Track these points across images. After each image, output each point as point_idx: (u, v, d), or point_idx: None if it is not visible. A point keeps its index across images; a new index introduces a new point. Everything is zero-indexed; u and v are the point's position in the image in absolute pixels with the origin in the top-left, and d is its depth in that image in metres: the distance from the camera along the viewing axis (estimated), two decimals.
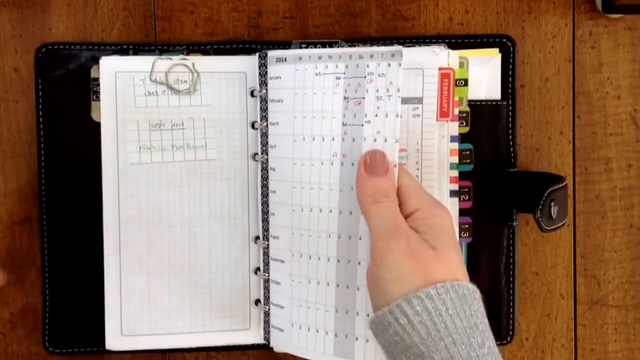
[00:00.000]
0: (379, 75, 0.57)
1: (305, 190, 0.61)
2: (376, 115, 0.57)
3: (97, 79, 0.63)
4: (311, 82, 0.60)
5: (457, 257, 0.52)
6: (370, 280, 0.53)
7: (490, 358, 0.48)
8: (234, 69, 0.64)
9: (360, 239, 0.59)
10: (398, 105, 0.56)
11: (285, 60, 0.61)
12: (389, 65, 0.57)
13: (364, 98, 0.58)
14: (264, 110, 0.63)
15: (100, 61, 0.62)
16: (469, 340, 0.48)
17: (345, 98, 0.59)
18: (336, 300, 0.60)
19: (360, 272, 0.59)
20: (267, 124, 0.63)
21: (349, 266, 0.59)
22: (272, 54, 0.62)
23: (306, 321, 0.62)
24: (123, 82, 0.62)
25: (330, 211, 0.60)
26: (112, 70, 0.62)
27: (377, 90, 0.57)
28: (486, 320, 0.51)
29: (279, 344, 0.64)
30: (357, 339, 0.59)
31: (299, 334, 0.62)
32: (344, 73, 0.59)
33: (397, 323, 0.49)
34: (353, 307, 0.59)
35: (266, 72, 0.62)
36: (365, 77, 0.58)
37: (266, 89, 0.62)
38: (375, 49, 0.58)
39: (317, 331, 0.61)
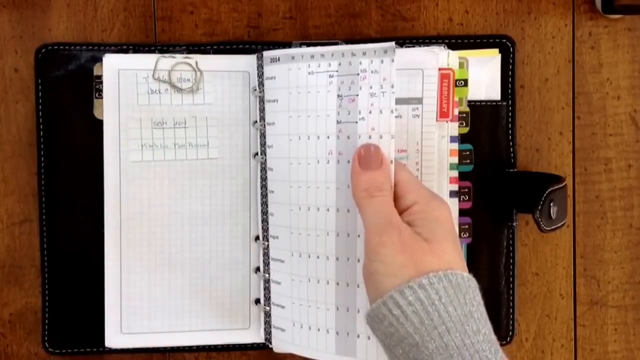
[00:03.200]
0: (372, 72, 0.57)
1: (303, 190, 0.61)
2: (370, 112, 0.57)
3: (100, 77, 0.63)
4: (304, 81, 0.60)
5: (452, 249, 0.52)
6: (365, 275, 0.54)
7: (486, 345, 0.48)
8: (237, 68, 0.64)
9: (358, 236, 0.59)
10: (392, 101, 0.56)
11: (279, 60, 0.61)
12: (382, 61, 0.57)
13: (357, 95, 0.58)
14: (262, 110, 0.63)
15: (104, 58, 0.62)
16: (463, 328, 0.48)
17: (339, 96, 0.59)
18: (336, 298, 0.60)
19: (359, 270, 0.59)
20: (264, 124, 0.63)
21: (348, 264, 0.59)
22: (267, 54, 0.62)
23: (307, 320, 0.62)
24: (126, 80, 0.62)
25: (328, 209, 0.60)
26: (115, 67, 0.62)
27: (371, 87, 0.57)
28: (482, 309, 0.51)
29: (280, 344, 0.64)
30: (358, 336, 0.59)
31: (301, 333, 0.62)
32: (337, 71, 0.59)
33: (391, 314, 0.49)
34: (353, 304, 0.59)
35: (263, 73, 0.62)
36: (358, 74, 0.58)
37: (263, 89, 0.63)
38: (367, 46, 0.58)
39: (319, 330, 0.61)
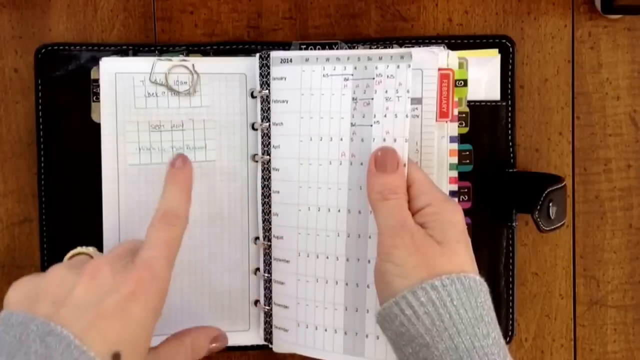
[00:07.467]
0: (387, 76, 0.58)
1: (313, 190, 0.61)
2: (385, 116, 0.58)
3: (97, 80, 0.63)
4: (318, 83, 0.61)
5: (465, 251, 0.53)
6: (377, 275, 0.55)
7: (495, 349, 0.49)
8: (234, 70, 0.64)
9: (369, 237, 0.59)
10: (407, 105, 0.57)
11: (291, 61, 0.62)
12: (398, 66, 0.58)
13: (372, 99, 0.58)
14: (265, 110, 0.63)
15: (100, 62, 0.62)
16: (473, 331, 0.49)
17: (353, 99, 0.59)
18: (345, 298, 0.61)
19: (369, 270, 0.59)
20: (269, 125, 0.63)
21: (358, 264, 0.60)
22: (276, 54, 0.62)
23: (314, 320, 0.62)
24: (123, 84, 0.62)
25: (339, 210, 0.60)
26: (112, 71, 0.62)
27: (386, 91, 0.58)
28: (493, 313, 0.52)
29: (282, 344, 0.64)
30: (367, 336, 0.60)
31: (306, 333, 0.62)
32: (352, 74, 0.59)
33: (403, 314, 0.50)
34: (363, 304, 0.60)
35: (268, 73, 0.63)
36: (373, 78, 0.59)
37: (268, 90, 0.63)
38: (383, 51, 0.59)
39: (326, 330, 0.61)
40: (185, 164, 0.58)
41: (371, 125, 0.58)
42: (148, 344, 0.51)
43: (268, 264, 0.64)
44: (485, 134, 0.67)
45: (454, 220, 0.54)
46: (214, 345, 0.59)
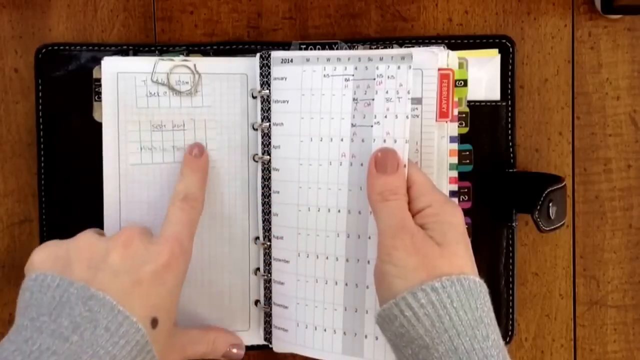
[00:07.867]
0: (388, 77, 0.58)
1: (313, 190, 0.61)
2: (386, 117, 0.58)
3: (99, 80, 0.63)
4: (319, 83, 0.61)
5: (464, 253, 0.53)
6: (377, 276, 0.55)
7: (494, 351, 0.49)
8: (235, 71, 0.64)
9: (369, 238, 0.59)
10: (408, 106, 0.57)
11: (292, 61, 0.62)
12: (399, 67, 0.58)
13: (373, 99, 0.59)
14: (265, 110, 0.63)
15: (102, 62, 0.62)
16: (473, 333, 0.49)
17: (354, 99, 0.59)
18: (345, 299, 0.61)
19: (369, 271, 0.59)
20: (269, 125, 0.63)
21: (358, 265, 0.60)
22: (277, 54, 0.62)
23: (313, 320, 0.62)
24: (125, 83, 0.62)
25: (339, 211, 0.60)
26: (113, 71, 0.62)
27: (387, 92, 0.58)
28: (492, 314, 0.52)
29: (282, 344, 0.64)
30: (366, 336, 0.60)
31: (305, 333, 0.62)
32: (353, 75, 0.60)
33: (403, 316, 0.50)
34: (362, 305, 0.60)
35: (269, 73, 0.63)
36: (374, 79, 0.59)
37: (269, 89, 0.63)
38: (384, 51, 0.59)
39: (325, 330, 0.62)
40: (202, 154, 0.62)
41: (371, 126, 0.59)
42: (175, 314, 0.56)
43: (268, 264, 0.64)
44: (485, 134, 0.67)
45: (453, 222, 0.54)
46: (234, 351, 0.63)
